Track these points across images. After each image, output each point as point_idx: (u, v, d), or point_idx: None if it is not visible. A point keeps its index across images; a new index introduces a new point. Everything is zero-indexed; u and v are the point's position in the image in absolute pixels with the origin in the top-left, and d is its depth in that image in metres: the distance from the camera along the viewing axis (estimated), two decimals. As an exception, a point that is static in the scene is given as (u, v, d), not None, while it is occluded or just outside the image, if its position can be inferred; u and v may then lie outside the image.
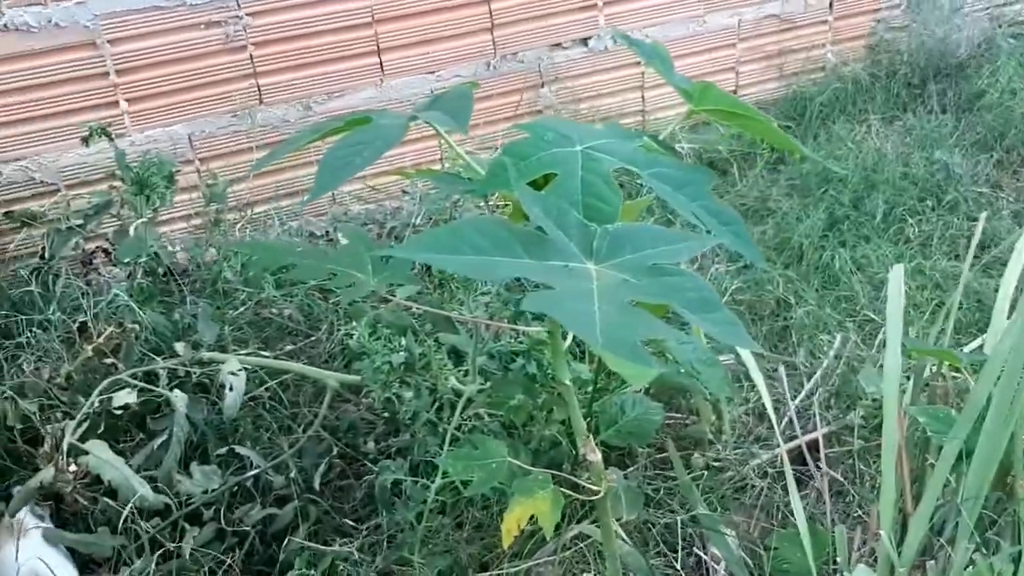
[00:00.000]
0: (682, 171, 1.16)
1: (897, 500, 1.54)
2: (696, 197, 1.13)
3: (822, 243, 3.03)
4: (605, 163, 1.11)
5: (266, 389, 2.43)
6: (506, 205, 1.38)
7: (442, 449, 2.07)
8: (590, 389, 2.29)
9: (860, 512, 2.02)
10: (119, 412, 2.10)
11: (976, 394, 1.41)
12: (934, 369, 1.91)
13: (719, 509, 2.00)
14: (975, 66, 3.91)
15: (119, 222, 2.64)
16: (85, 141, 2.52)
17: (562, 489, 1.49)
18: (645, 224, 1.20)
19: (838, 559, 1.49)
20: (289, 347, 2.58)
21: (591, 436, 1.39)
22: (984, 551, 1.43)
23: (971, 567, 1.39)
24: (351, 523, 2.15)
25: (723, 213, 1.14)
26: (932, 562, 1.40)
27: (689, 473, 2.16)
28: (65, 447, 1.87)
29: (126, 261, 2.52)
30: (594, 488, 1.40)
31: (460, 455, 1.42)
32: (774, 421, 1.69)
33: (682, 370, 1.91)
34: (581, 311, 0.84)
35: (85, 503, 2.04)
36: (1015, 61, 3.89)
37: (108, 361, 2.25)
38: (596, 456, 1.40)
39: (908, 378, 1.89)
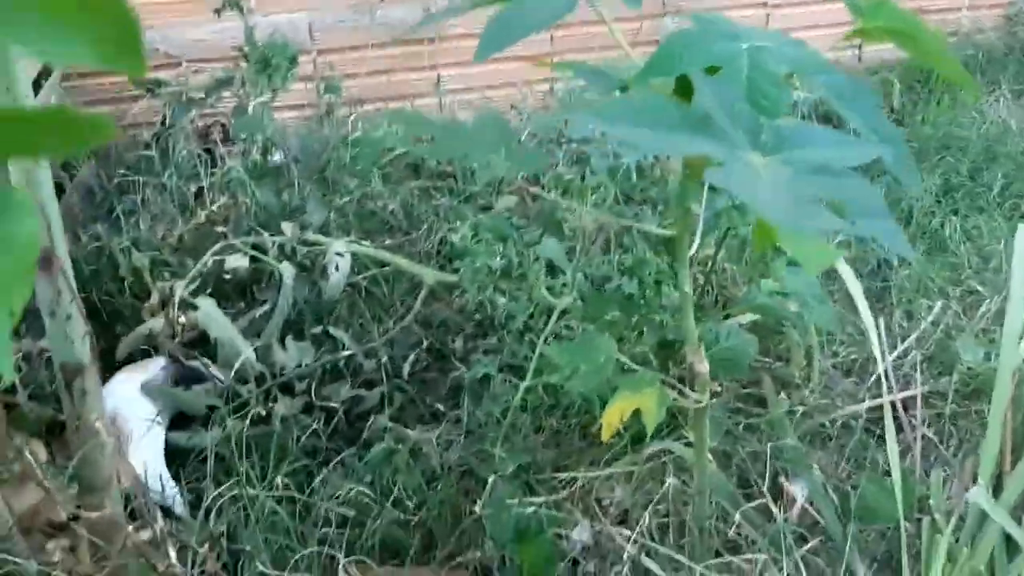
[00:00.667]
0: (850, 82, 1.14)
1: (996, 456, 1.52)
2: (862, 110, 1.11)
3: (933, 209, 2.95)
4: (772, 63, 1.10)
5: (364, 278, 2.48)
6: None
7: (532, 355, 2.10)
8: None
9: (946, 472, 1.99)
10: (228, 277, 2.18)
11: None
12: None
13: (804, 450, 1.99)
14: (1117, 47, 3.73)
15: (238, 100, 2.69)
16: (217, 12, 2.56)
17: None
18: (813, 125, 1.18)
19: (931, 501, 1.48)
20: (389, 241, 2.62)
21: (701, 345, 1.40)
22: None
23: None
24: (434, 413, 2.20)
25: (887, 130, 1.11)
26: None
27: (773, 413, 2.16)
28: (176, 300, 1.94)
29: (242, 137, 2.58)
30: (697, 398, 1.41)
31: (567, 347, 1.43)
32: (879, 358, 1.67)
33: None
34: (751, 181, 0.84)
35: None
36: None
37: (219, 229, 2.32)
38: (704, 366, 1.40)
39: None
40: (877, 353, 1.66)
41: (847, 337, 2.54)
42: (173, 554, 1.06)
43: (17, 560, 1.47)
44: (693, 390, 1.41)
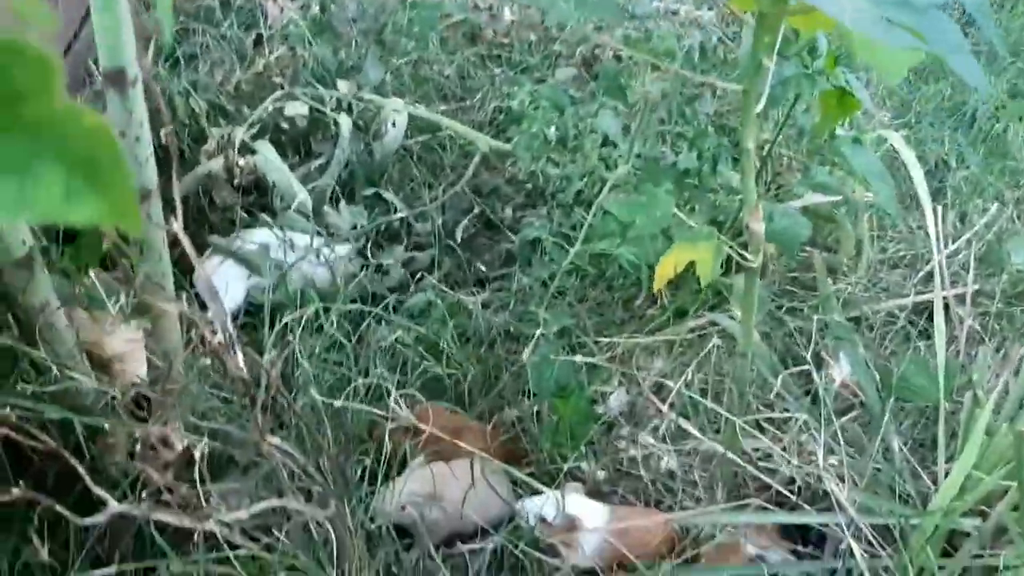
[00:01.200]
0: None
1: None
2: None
3: (998, 113, 2.88)
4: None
5: (416, 143, 2.49)
6: None
7: (582, 223, 2.10)
8: (739, 197, 2.29)
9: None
10: (285, 127, 2.19)
11: None
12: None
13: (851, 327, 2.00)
14: None
15: (300, -46, 2.66)
16: None
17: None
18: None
19: (974, 377, 1.50)
20: (443, 107, 2.62)
21: (759, 206, 1.40)
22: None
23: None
24: (481, 279, 2.24)
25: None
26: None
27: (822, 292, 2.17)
28: (237, 142, 1.97)
29: (302, -8, 2.56)
30: (750, 258, 1.42)
31: (626, 200, 1.44)
32: (933, 247, 1.66)
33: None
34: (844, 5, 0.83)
35: (238, 201, 2.15)
36: None
37: (276, 80, 2.33)
38: (760, 226, 1.41)
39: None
40: (932, 236, 1.65)
41: (897, 233, 2.53)
42: (240, 357, 1.10)
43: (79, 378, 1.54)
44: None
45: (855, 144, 1.72)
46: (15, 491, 1.13)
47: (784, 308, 2.17)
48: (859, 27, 0.82)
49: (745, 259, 1.42)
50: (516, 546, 1.58)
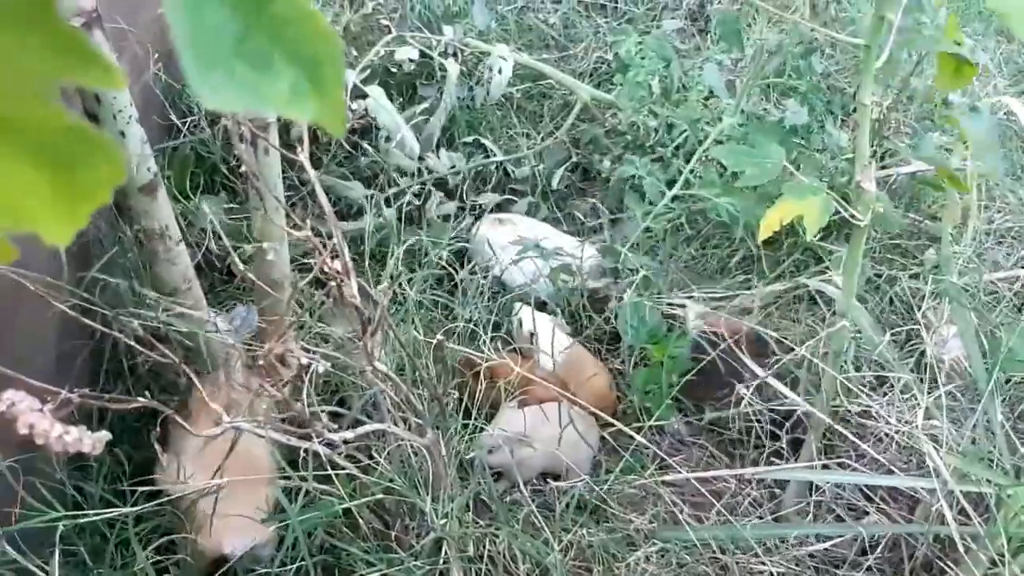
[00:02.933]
0: None
1: None
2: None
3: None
4: None
5: (517, 91, 2.50)
6: None
7: (680, 177, 2.10)
8: (845, 158, 2.25)
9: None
10: (394, 71, 2.23)
11: None
12: None
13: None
14: None
15: None
16: None
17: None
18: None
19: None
20: (546, 56, 2.62)
21: (872, 164, 1.38)
22: None
23: None
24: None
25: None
26: None
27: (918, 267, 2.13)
28: (349, 86, 2.01)
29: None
30: (859, 216, 1.40)
31: (736, 149, 1.43)
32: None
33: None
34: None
35: (348, 148, 2.21)
36: None
37: (385, 23, 2.36)
38: (871, 184, 1.39)
39: None
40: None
41: (1005, 204, 2.45)
42: (355, 283, 1.15)
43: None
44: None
45: (972, 111, 1.67)
46: (142, 400, 1.20)
47: (883, 276, 2.14)
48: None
49: (854, 217, 1.40)
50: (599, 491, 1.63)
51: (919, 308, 1.93)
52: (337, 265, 1.14)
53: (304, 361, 1.16)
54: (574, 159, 2.37)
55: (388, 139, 2.06)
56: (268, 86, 0.31)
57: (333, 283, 1.14)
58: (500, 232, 2.09)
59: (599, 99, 2.37)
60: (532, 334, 1.91)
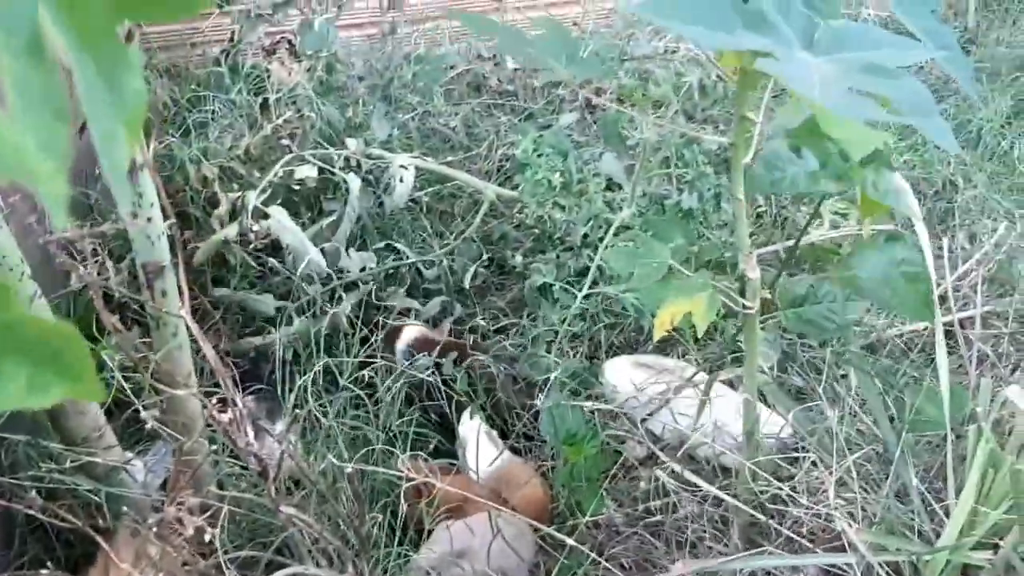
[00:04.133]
0: (907, -14, 1.14)
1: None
2: (918, 14, 1.12)
3: (1003, 131, 2.89)
4: (831, -35, 1.10)
5: (425, 194, 2.54)
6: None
7: (588, 270, 2.14)
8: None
9: (1001, 387, 2.01)
10: (296, 188, 2.25)
11: None
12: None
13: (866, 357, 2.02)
14: None
15: (304, 16, 2.73)
16: (282, -69, 2.59)
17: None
18: (866, 25, 1.19)
19: (978, 409, 1.50)
20: (450, 158, 2.67)
21: (753, 253, 1.42)
22: None
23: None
24: (492, 325, 2.27)
25: (942, 34, 1.12)
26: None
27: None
28: (250, 208, 2.03)
29: (308, 54, 2.62)
30: (748, 304, 1.44)
31: (622, 251, 1.47)
32: (933, 277, 1.67)
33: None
34: (802, 71, 0.87)
35: (254, 265, 2.21)
36: None
37: (285, 143, 2.39)
38: (755, 273, 1.43)
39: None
40: (932, 274, 1.66)
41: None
42: (251, 433, 1.14)
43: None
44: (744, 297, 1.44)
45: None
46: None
47: (799, 344, 2.19)
48: (829, 102, 0.85)
49: (744, 306, 1.44)
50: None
51: (837, 369, 1.98)
52: (227, 416, 1.14)
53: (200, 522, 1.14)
54: (486, 256, 2.40)
55: (296, 259, 2.07)
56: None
57: (225, 434, 1.14)
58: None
59: (504, 197, 2.41)
60: (464, 447, 1.91)
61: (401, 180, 2.22)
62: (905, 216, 1.84)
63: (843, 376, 1.98)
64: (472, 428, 1.93)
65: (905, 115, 0.95)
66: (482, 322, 2.29)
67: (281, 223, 2.02)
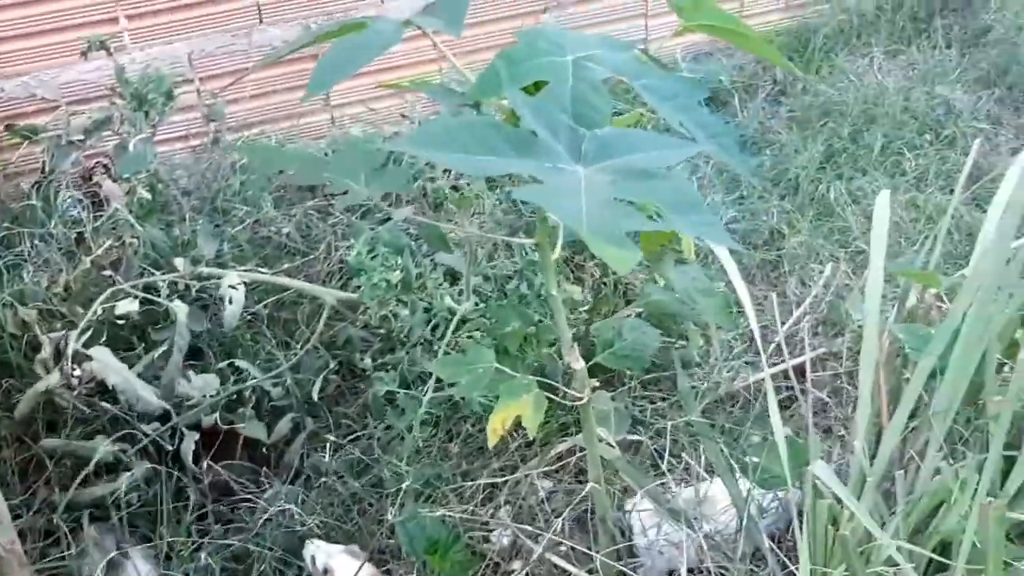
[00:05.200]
0: (672, 82, 1.18)
1: (874, 415, 1.59)
2: (685, 108, 1.16)
3: (819, 175, 3.05)
4: (595, 72, 1.13)
5: (264, 306, 2.47)
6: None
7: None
8: (585, 310, 2.35)
9: (843, 431, 2.08)
10: (120, 322, 2.15)
11: (952, 313, 1.44)
12: (919, 296, 1.96)
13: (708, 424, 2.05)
14: (982, 1, 3.87)
15: (119, 138, 2.65)
16: (84, 54, 2.52)
17: (553, 397, 1.53)
18: (633, 130, 1.23)
19: (809, 467, 1.54)
20: (287, 265, 2.61)
21: (575, 345, 1.44)
22: (951, 461, 1.48)
23: (938, 476, 1.45)
24: (344, 435, 2.21)
25: (711, 124, 1.16)
26: (901, 472, 1.45)
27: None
28: (70, 352, 1.92)
29: (126, 177, 2.54)
30: (578, 395, 1.45)
31: (449, 360, 1.46)
32: (759, 345, 1.72)
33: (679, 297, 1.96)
34: (568, 201, 0.88)
35: (85, 409, 2.09)
36: (1022, -2, 3.85)
37: (107, 274, 2.29)
38: (580, 364, 1.44)
39: (893, 303, 1.95)
40: (754, 325, 1.72)
41: (761, 309, 2.62)
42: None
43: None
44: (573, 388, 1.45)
45: (678, 265, 1.80)
46: None
47: (648, 410, 2.22)
48: (594, 231, 0.86)
49: (574, 398, 1.45)
50: None
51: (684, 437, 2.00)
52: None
53: None
54: (334, 363, 2.35)
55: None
56: None
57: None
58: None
59: (345, 300, 2.37)
60: (326, 571, 1.84)
61: (231, 301, 2.15)
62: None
63: (693, 440, 2.02)
64: (335, 551, 1.86)
65: (668, 217, 0.97)
66: (332, 437, 2.23)
67: (105, 363, 1.93)
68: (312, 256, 2.65)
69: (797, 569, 1.59)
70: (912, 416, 1.60)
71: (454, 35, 1.07)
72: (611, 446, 1.88)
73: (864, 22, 3.76)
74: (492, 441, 1.37)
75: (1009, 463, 1.51)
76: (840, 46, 3.68)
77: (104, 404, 2.06)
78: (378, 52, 1.09)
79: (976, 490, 1.40)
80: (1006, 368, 1.63)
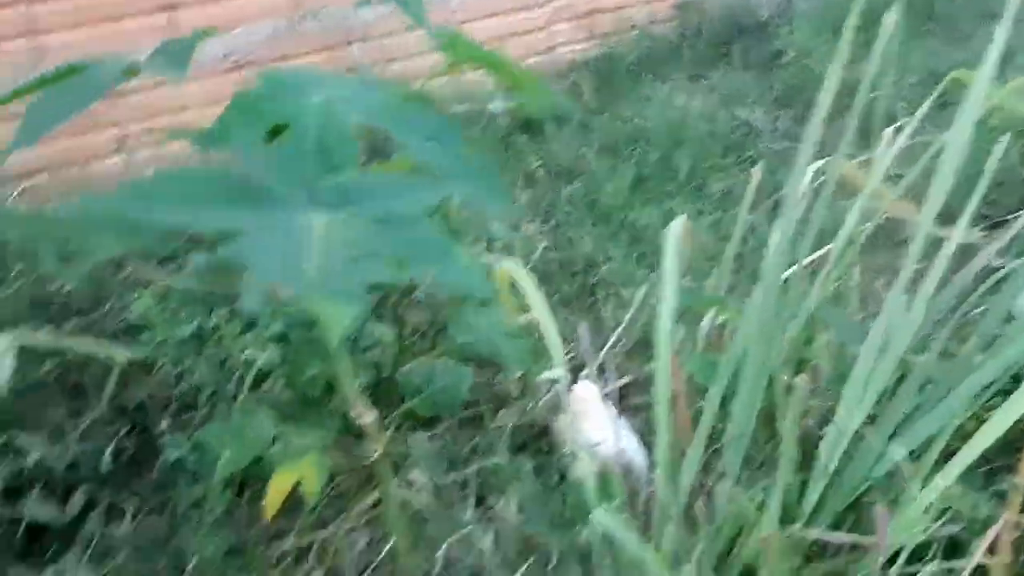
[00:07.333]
0: (432, 121, 1.13)
1: (675, 445, 1.58)
2: (447, 146, 1.11)
3: (630, 201, 3.09)
4: (344, 115, 1.06)
5: (48, 371, 2.27)
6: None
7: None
8: (394, 352, 2.26)
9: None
10: None
11: (738, 338, 1.46)
12: (713, 322, 1.99)
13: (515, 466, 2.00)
14: (775, 26, 4.08)
15: None
16: None
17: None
18: (382, 174, 1.17)
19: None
20: (76, 322, 2.41)
21: (359, 399, 1.35)
22: (747, 487, 1.49)
23: (734, 502, 1.45)
24: (141, 506, 2.04)
25: (473, 161, 1.11)
26: (700, 501, 1.44)
27: (498, 428, 2.17)
28: None
29: None
30: (367, 451, 1.36)
31: (218, 428, 1.35)
32: (562, 378, 1.69)
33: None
34: (286, 257, 0.80)
35: None
36: (810, 22, 4.08)
37: None
38: (368, 417, 1.36)
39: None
40: (555, 353, 1.68)
41: (566, 335, 2.61)
42: None
43: None
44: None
45: (479, 308, 1.76)
46: None
47: (468, 447, 2.15)
48: (320, 287, 0.78)
49: (365, 456, 1.36)
50: None
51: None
52: None
53: None
54: (125, 430, 2.17)
55: None
56: None
57: None
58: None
59: (137, 360, 2.20)
60: None
61: (-3, 369, 1.94)
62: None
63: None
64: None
65: (423, 262, 0.91)
66: (135, 500, 2.05)
67: None
68: (101, 312, 2.46)
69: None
70: (713, 443, 1.61)
71: (178, 79, 0.98)
72: (425, 492, 1.82)
73: (668, 48, 3.88)
74: (271, 510, 1.27)
75: (804, 482, 1.54)
76: (645, 73, 3.78)
77: None
78: (94, 98, 0.99)
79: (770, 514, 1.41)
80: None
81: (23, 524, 1.96)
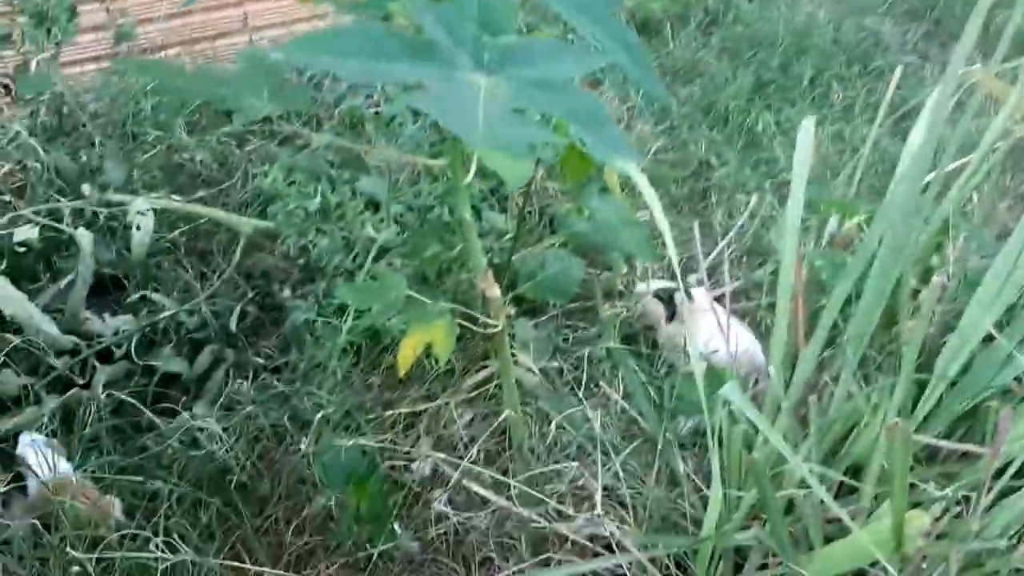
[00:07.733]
0: (585, -7, 1.12)
1: (791, 342, 1.59)
2: (598, 19, 1.11)
3: (748, 106, 3.03)
4: (504, -21, 1.07)
5: (181, 234, 2.38)
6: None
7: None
8: (508, 238, 2.31)
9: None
10: (22, 251, 2.05)
11: (868, 240, 1.44)
12: (839, 225, 1.96)
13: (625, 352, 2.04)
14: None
15: (20, 57, 2.50)
16: (-24, -33, 2.36)
17: (469, 325, 1.50)
18: (540, 39, 1.17)
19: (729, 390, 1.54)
20: (202, 193, 2.51)
21: (489, 271, 1.40)
22: (864, 386, 1.50)
23: (850, 400, 1.46)
24: (265, 364, 2.16)
25: (624, 35, 1.11)
26: (814, 396, 1.45)
27: (605, 320, 2.21)
28: (-36, 281, 1.82)
29: (28, 98, 2.41)
30: (492, 323, 1.41)
31: (357, 287, 1.41)
32: (678, 275, 1.70)
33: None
34: (462, 110, 0.83)
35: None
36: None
37: (6, 199, 2.18)
38: (494, 291, 1.41)
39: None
40: (674, 256, 1.69)
41: (674, 238, 2.60)
42: None
43: None
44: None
45: (601, 194, 1.77)
46: None
47: (570, 338, 2.20)
48: (490, 143, 0.81)
49: (487, 325, 1.41)
50: None
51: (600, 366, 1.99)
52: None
53: None
54: (251, 294, 2.28)
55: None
56: None
57: None
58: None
59: (262, 230, 2.29)
60: None
61: (138, 228, 2.06)
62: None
63: (613, 367, 2.01)
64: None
65: (577, 131, 0.93)
66: (252, 368, 2.17)
67: (3, 293, 1.83)
68: (228, 184, 2.55)
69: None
70: (830, 344, 1.61)
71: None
72: (533, 372, 1.87)
73: (797, -48, 3.72)
74: (403, 369, 1.33)
75: (921, 387, 1.53)
76: (772, -25, 3.64)
77: (7, 335, 1.97)
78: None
79: (886, 414, 1.42)
80: (922, 294, 1.65)
81: (157, 374, 2.10)
